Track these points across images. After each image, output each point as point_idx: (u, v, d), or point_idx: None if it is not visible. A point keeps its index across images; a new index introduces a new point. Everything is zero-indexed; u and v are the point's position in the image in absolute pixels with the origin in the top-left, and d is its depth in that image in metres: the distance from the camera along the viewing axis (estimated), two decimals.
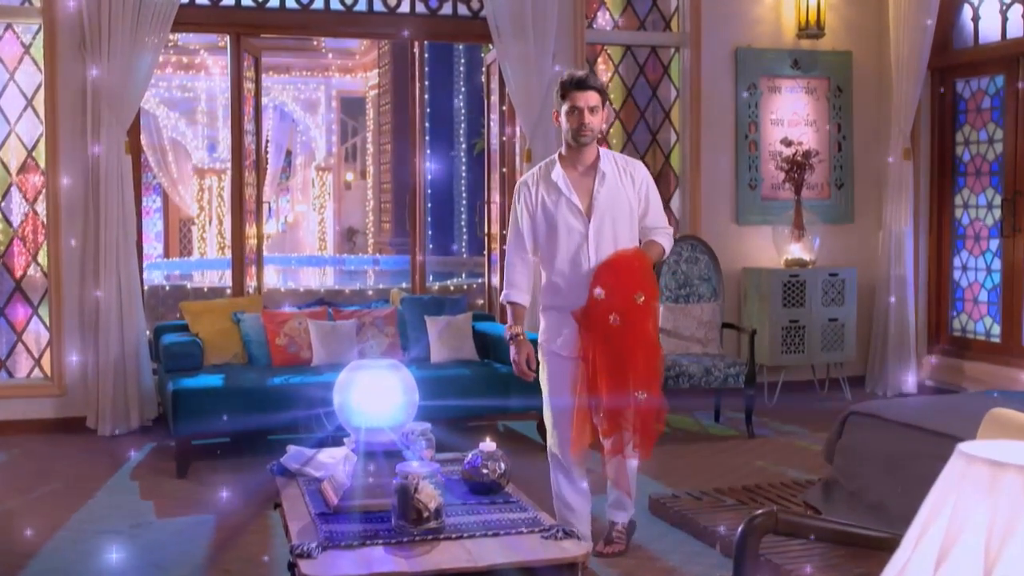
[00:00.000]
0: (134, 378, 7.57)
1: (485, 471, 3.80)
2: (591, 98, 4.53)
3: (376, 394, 3.65)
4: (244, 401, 6.54)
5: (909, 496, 4.71)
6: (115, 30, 7.38)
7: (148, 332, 7.78)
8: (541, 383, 4.76)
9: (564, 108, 4.57)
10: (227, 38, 8.32)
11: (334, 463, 4.05)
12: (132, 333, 7.58)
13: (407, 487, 3.36)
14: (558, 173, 4.60)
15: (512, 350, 4.69)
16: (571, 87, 4.55)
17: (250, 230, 8.48)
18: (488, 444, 3.87)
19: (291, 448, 4.32)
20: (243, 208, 8.29)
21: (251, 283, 8.57)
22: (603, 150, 4.69)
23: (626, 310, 4.44)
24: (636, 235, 4.66)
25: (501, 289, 4.90)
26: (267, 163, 19.96)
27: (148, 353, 7.71)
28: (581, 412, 4.53)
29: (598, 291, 4.43)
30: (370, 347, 7.35)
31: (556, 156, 4.70)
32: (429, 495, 3.38)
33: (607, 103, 4.65)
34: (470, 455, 3.88)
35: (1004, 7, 8.38)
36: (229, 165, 8.78)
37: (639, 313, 4.48)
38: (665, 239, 4.73)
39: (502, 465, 3.85)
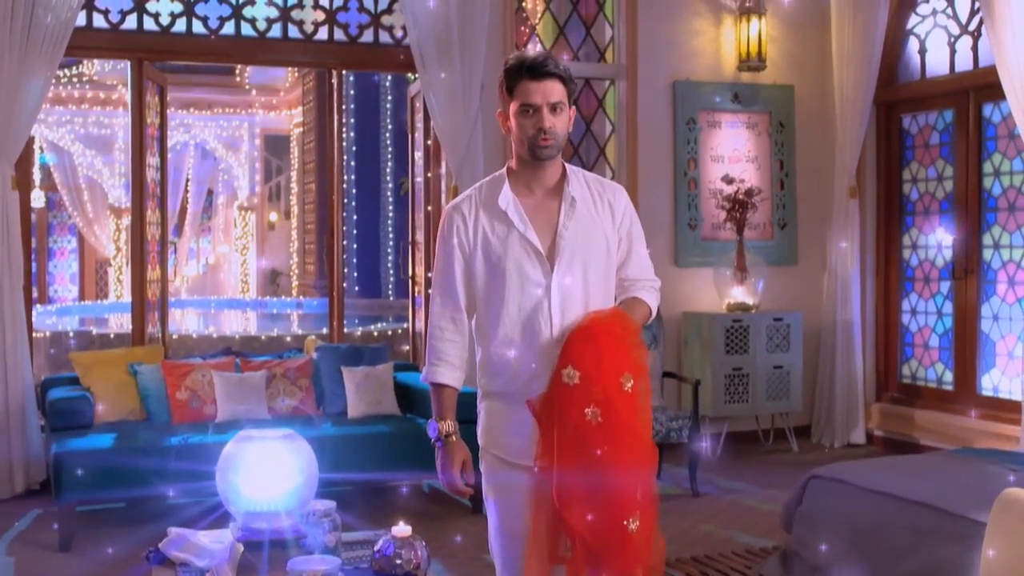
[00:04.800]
0: (19, 437, 6.85)
1: (398, 562, 3.21)
2: (552, 90, 3.11)
3: (266, 472, 3.06)
4: (137, 463, 5.85)
5: (880, 574, 4.20)
6: (0, 52, 6.72)
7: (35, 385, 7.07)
8: (485, 504, 3.30)
9: (512, 107, 3.14)
10: (128, 64, 7.64)
11: (222, 549, 3.43)
12: (18, 387, 6.86)
13: None
14: (507, 197, 3.18)
15: (439, 458, 3.18)
16: (522, 75, 3.12)
17: (153, 273, 7.82)
18: (402, 528, 3.27)
19: (172, 531, 3.67)
20: (144, 249, 7.62)
21: (156, 330, 7.91)
22: (571, 167, 3.29)
23: (610, 400, 3.01)
24: (612, 287, 3.29)
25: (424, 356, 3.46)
26: (187, 202, 19.31)
27: (36, 409, 6.99)
28: (538, 548, 3.07)
29: (569, 372, 3.01)
30: (281, 401, 6.72)
31: (504, 172, 3.27)
32: None
33: (573, 98, 3.23)
34: (381, 541, 3.28)
35: (952, 39, 8.03)
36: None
37: (627, 404, 3.04)
38: (652, 297, 3.33)
39: (419, 552, 3.26)
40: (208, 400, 6.60)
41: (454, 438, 3.19)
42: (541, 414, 3.04)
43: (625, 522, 3.00)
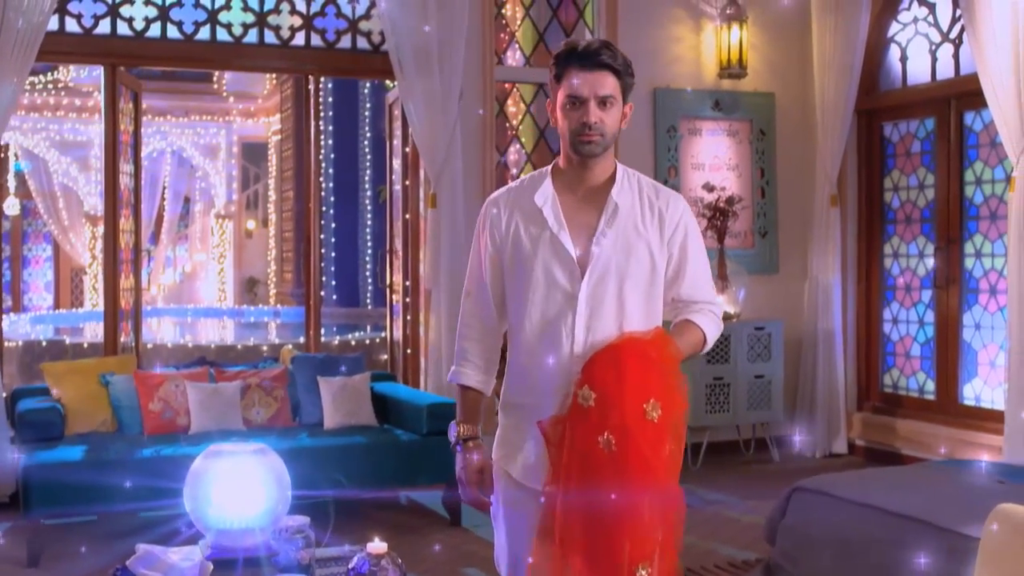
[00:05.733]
0: None
1: None
2: (603, 83, 2.84)
3: (237, 489, 2.96)
4: (108, 477, 5.72)
5: None
6: None
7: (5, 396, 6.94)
8: (493, 519, 3.09)
9: (560, 97, 2.89)
10: (101, 70, 7.53)
11: (191, 567, 3.33)
12: None
13: None
14: (546, 194, 2.94)
15: (458, 463, 3.02)
16: (571, 62, 2.87)
17: (126, 282, 7.69)
18: (378, 544, 3.16)
19: (140, 548, 3.57)
20: (117, 257, 7.50)
21: (129, 340, 7.78)
22: (624, 169, 3.00)
23: (628, 429, 2.71)
24: (658, 308, 2.98)
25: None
26: (164, 210, 19.15)
27: (5, 420, 6.85)
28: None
29: (585, 393, 2.74)
30: (256, 412, 6.60)
31: (549, 168, 3.03)
32: None
33: (630, 93, 2.95)
34: (356, 559, 3.17)
35: (933, 47, 7.99)
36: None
37: (648, 435, 2.73)
38: (709, 322, 3.03)
39: (394, 571, 3.16)
40: (181, 411, 6.48)
41: (472, 444, 3.02)
42: (552, 436, 2.79)
43: (637, 568, 2.71)
